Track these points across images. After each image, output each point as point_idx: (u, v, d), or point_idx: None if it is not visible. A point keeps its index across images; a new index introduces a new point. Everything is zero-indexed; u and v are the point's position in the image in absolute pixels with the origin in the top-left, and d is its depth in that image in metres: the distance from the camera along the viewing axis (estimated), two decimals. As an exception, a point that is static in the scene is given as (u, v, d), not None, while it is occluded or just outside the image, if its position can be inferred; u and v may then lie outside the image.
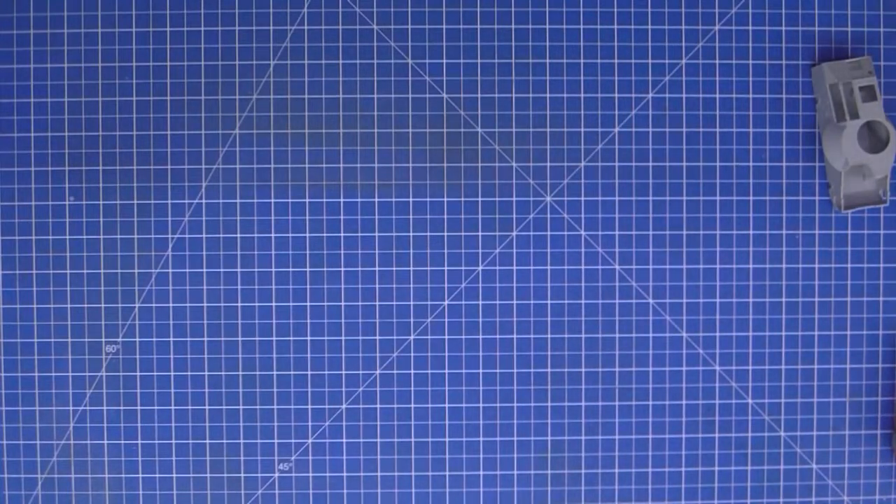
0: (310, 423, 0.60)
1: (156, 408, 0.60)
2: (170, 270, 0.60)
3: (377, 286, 0.60)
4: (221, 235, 0.60)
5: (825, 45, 0.61)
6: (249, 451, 0.60)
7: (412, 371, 0.60)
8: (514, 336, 0.60)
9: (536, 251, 0.60)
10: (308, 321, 0.60)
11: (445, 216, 0.60)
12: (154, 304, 0.60)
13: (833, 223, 0.61)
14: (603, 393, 0.61)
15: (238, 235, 0.60)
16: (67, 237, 0.60)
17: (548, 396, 0.61)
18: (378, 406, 0.60)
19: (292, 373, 0.60)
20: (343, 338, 0.60)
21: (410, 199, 0.60)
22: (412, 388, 0.60)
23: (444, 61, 0.60)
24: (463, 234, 0.60)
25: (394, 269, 0.60)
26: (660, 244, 0.61)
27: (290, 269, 0.60)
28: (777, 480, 0.61)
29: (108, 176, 0.60)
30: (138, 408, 0.60)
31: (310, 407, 0.60)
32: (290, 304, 0.60)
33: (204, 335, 0.60)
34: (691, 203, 0.61)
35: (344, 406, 0.60)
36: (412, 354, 0.61)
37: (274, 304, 0.60)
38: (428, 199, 0.60)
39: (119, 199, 0.60)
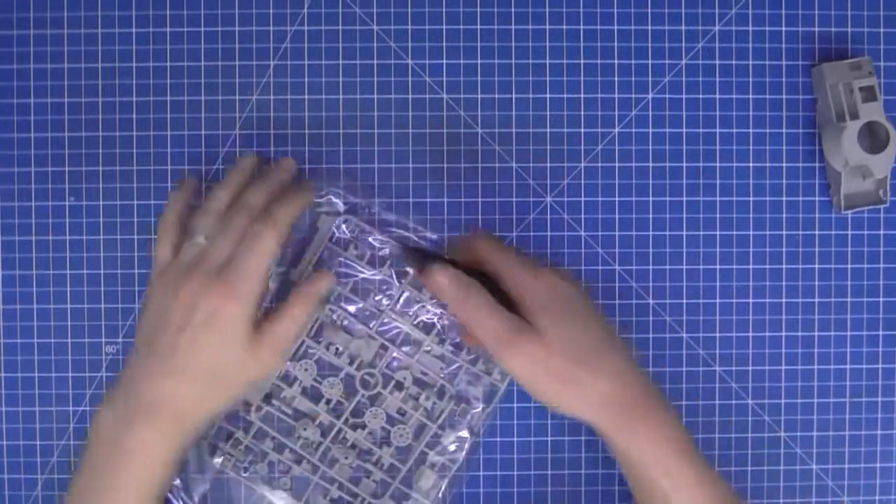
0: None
1: (156, 408, 0.60)
2: (170, 271, 0.60)
3: (377, 287, 0.60)
4: (221, 236, 0.60)
5: (825, 46, 0.61)
6: (249, 451, 0.60)
7: (412, 372, 0.60)
8: (514, 337, 0.60)
9: (536, 252, 0.60)
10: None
11: (445, 216, 0.60)
12: (154, 305, 0.60)
13: (833, 224, 0.61)
14: (603, 393, 0.61)
15: (238, 236, 0.60)
16: (67, 238, 0.60)
17: (548, 397, 0.61)
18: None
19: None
20: (343, 338, 0.60)
21: (410, 200, 0.60)
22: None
23: (444, 62, 0.60)
24: (463, 234, 0.60)
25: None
26: (660, 245, 0.61)
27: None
28: (777, 481, 0.61)
29: (107, 176, 0.60)
30: (138, 408, 0.60)
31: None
32: (290, 304, 0.60)
33: (204, 336, 0.60)
34: (691, 203, 0.61)
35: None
36: (412, 355, 0.60)
37: (274, 304, 0.60)
38: (428, 200, 0.60)
39: (119, 199, 0.60)
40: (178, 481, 0.58)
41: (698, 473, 0.50)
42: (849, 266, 0.61)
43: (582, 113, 0.61)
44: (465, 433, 0.59)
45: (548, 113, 0.61)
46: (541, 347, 0.47)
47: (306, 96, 0.60)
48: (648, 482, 0.50)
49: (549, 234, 0.60)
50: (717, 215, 0.61)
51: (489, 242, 0.52)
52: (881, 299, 0.61)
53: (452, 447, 0.59)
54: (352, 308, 0.59)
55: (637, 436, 0.49)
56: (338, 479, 0.59)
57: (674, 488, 0.50)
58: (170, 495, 0.58)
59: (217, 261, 0.50)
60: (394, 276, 0.59)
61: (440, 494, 0.59)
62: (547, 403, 0.49)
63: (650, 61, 0.61)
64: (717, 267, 0.61)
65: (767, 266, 0.61)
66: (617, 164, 0.61)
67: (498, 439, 0.61)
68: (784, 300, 0.61)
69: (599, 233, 0.61)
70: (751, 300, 0.61)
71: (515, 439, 0.61)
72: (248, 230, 0.50)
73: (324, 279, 0.54)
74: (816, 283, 0.61)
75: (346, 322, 0.59)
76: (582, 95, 0.60)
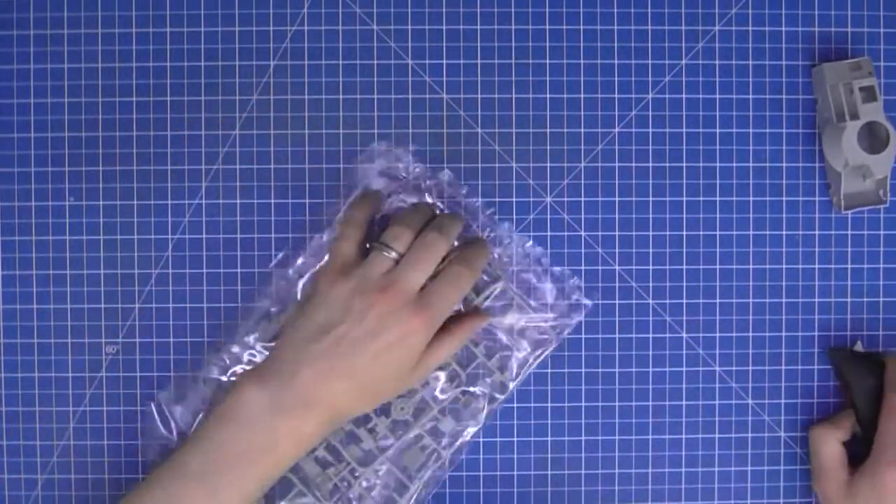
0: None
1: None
2: (170, 271, 0.60)
3: (377, 287, 0.60)
4: (221, 236, 0.60)
5: (825, 46, 0.61)
6: (249, 451, 0.60)
7: (412, 371, 0.60)
8: (514, 336, 0.60)
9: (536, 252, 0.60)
10: (308, 322, 0.60)
11: (445, 217, 0.60)
12: (154, 305, 0.60)
13: (833, 224, 0.61)
14: (603, 393, 0.61)
15: (238, 236, 0.60)
16: (67, 238, 0.60)
17: (548, 397, 0.61)
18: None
19: (292, 373, 0.60)
20: (343, 338, 0.60)
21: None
22: (412, 389, 0.60)
23: (444, 62, 0.60)
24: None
25: (394, 269, 0.60)
26: (660, 245, 0.61)
27: (291, 270, 0.60)
28: (777, 481, 0.61)
29: (107, 176, 0.60)
30: (138, 408, 0.60)
31: (310, 407, 0.60)
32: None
33: (204, 335, 0.60)
34: (691, 203, 0.61)
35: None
36: (412, 355, 0.60)
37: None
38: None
39: (119, 199, 0.60)
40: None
41: None
42: (849, 266, 0.61)
43: (582, 113, 0.61)
44: (463, 426, 0.59)
45: (548, 113, 0.61)
46: None
47: (306, 96, 0.60)
48: None
49: (549, 234, 0.61)
50: (717, 215, 0.61)
51: None
52: (881, 299, 0.61)
53: (448, 435, 0.59)
54: None
55: None
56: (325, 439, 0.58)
57: None
58: None
59: (414, 286, 0.52)
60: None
61: (423, 479, 0.58)
62: None
63: (650, 61, 0.61)
64: (717, 267, 0.61)
65: (767, 266, 0.61)
66: (617, 164, 0.61)
67: (498, 439, 0.61)
68: (784, 300, 0.61)
69: (599, 233, 0.61)
70: (751, 300, 0.61)
71: (515, 439, 0.61)
72: (448, 268, 0.53)
73: (482, 318, 0.57)
74: (816, 282, 0.61)
75: None
76: (582, 95, 0.61)
